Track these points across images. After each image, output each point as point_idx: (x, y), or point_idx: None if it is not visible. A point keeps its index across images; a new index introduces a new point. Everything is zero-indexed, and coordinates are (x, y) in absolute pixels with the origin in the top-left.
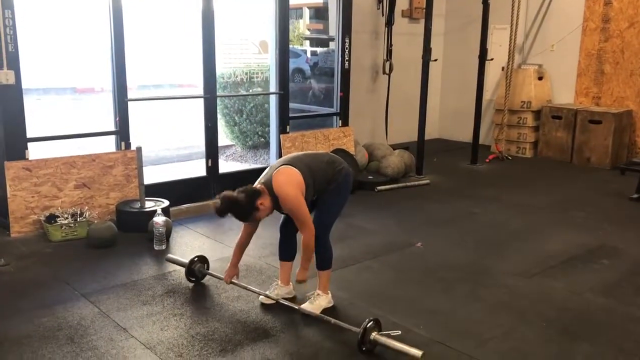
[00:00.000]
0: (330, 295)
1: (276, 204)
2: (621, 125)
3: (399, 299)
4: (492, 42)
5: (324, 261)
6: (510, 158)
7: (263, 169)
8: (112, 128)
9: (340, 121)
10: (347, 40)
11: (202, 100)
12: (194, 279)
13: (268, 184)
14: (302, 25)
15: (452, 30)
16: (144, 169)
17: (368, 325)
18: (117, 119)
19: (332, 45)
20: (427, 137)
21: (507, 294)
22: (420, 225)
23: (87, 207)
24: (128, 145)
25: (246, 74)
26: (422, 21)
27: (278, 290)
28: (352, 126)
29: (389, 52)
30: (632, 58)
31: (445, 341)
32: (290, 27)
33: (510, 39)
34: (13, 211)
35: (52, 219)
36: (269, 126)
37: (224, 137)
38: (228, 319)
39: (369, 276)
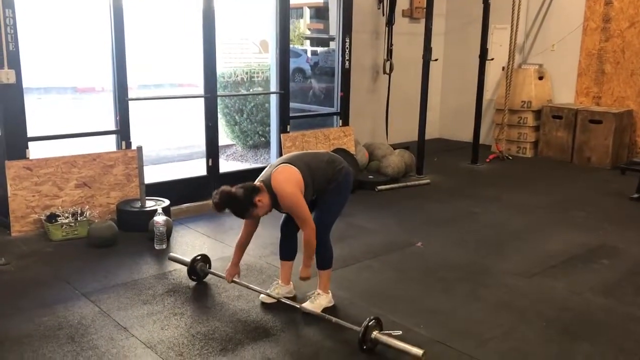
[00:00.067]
0: (330, 294)
1: (275, 203)
2: (622, 125)
3: (399, 299)
4: (492, 41)
5: (324, 261)
6: (510, 158)
7: (263, 169)
8: (112, 127)
9: (340, 121)
10: (347, 40)
11: (202, 99)
12: (195, 278)
13: (267, 182)
14: (302, 25)
15: (452, 30)
16: (145, 168)
17: (369, 324)
18: (118, 118)
19: (333, 45)
20: (427, 136)
21: (508, 293)
22: (420, 224)
23: (87, 207)
24: (129, 145)
25: (247, 73)
26: (423, 21)
27: (278, 290)
28: (352, 126)
29: (390, 52)
30: (632, 58)
31: (446, 341)
32: (291, 26)
33: (511, 39)
34: (14, 210)
35: (52, 218)
36: (269, 126)
37: (224, 137)
38: (228, 318)
39: (370, 276)
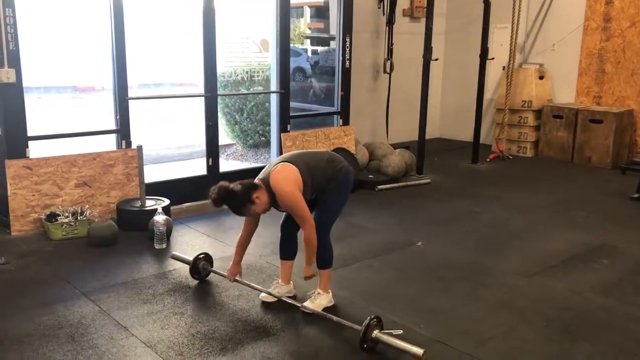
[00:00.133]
0: (330, 294)
1: (274, 201)
2: (622, 125)
3: (399, 298)
4: (493, 41)
5: (324, 260)
6: (511, 157)
7: (263, 168)
8: (112, 127)
9: (341, 120)
10: (347, 39)
11: (202, 99)
12: (197, 277)
13: (266, 181)
14: (303, 24)
15: (453, 29)
16: (145, 167)
17: (370, 323)
18: (118, 117)
19: (333, 44)
20: (427, 136)
21: (508, 293)
22: (420, 224)
23: (87, 206)
24: (129, 144)
25: (247, 72)
26: (423, 20)
27: (279, 289)
28: (352, 125)
29: (390, 51)
30: (633, 57)
31: (446, 340)
32: (291, 26)
33: (511, 38)
34: (14, 209)
35: (52, 217)
36: (269, 125)
37: (224, 136)
38: (229, 318)
39: (370, 275)
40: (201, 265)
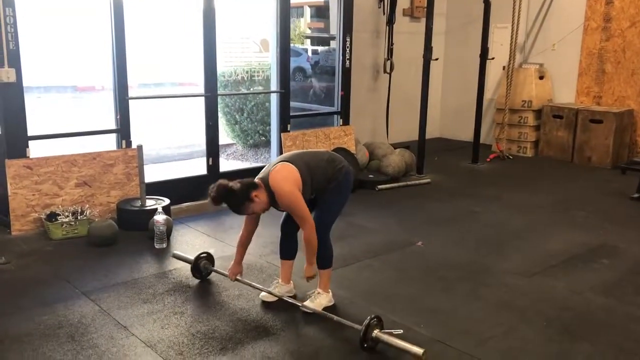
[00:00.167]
0: (330, 293)
1: (273, 201)
2: (622, 125)
3: (399, 298)
4: (493, 41)
5: (324, 260)
6: (511, 157)
7: (263, 168)
8: (113, 126)
9: (341, 120)
10: (348, 39)
11: (203, 98)
12: (199, 276)
13: (265, 180)
14: (303, 24)
15: (453, 29)
16: (145, 167)
17: (371, 322)
18: (118, 117)
19: (333, 44)
20: (428, 136)
21: (508, 293)
22: (420, 224)
23: (87, 206)
24: (129, 144)
25: (247, 72)
26: (423, 20)
27: (279, 289)
28: (353, 125)
29: (390, 51)
30: (633, 57)
31: (446, 340)
32: (291, 25)
33: (512, 38)
34: (14, 209)
35: (52, 217)
36: (269, 125)
37: (224, 136)
38: (229, 317)
39: (370, 275)
40: (202, 265)
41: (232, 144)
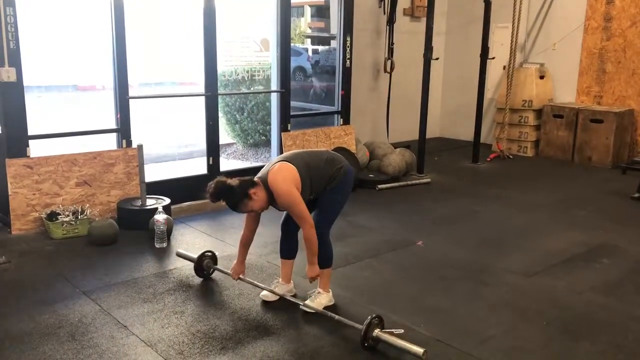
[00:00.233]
0: (331, 293)
1: (272, 199)
2: (622, 125)
3: (400, 297)
4: (493, 40)
5: (324, 259)
6: (511, 157)
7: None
8: (113, 126)
9: (341, 119)
10: (348, 39)
11: (203, 98)
12: (202, 274)
13: (264, 179)
14: (303, 24)
15: (453, 28)
16: (145, 166)
17: (371, 322)
18: (118, 116)
19: (334, 43)
20: (428, 135)
21: (508, 292)
22: (421, 223)
23: (88, 205)
24: (129, 143)
25: (247, 72)
26: (424, 20)
27: (279, 288)
28: (353, 124)
29: (391, 51)
30: (634, 57)
31: (446, 339)
32: (292, 25)
33: (512, 38)
34: (14, 208)
35: (53, 216)
36: (270, 124)
37: (225, 135)
38: (229, 317)
39: (370, 274)
40: (205, 263)
41: (232, 144)
